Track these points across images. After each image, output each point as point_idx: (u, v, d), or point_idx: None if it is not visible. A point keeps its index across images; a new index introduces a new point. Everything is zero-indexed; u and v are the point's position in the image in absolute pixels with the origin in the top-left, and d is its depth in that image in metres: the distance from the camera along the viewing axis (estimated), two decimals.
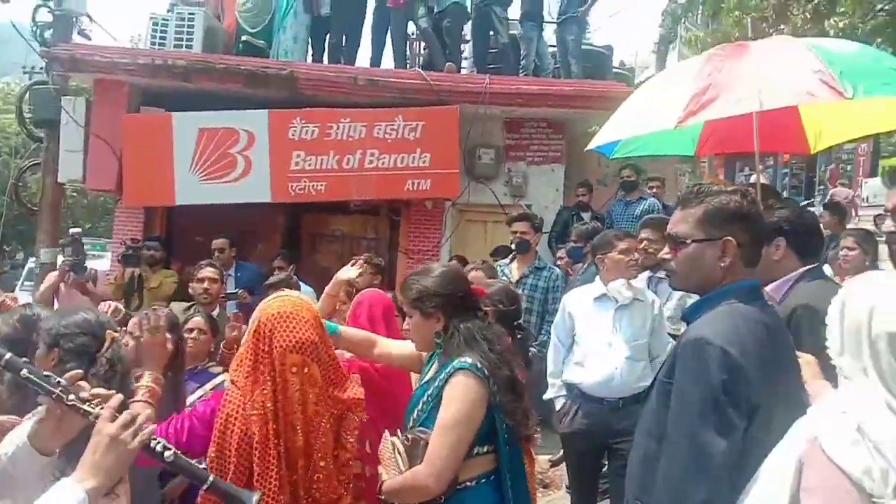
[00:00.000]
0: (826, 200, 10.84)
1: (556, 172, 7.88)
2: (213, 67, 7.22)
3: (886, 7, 6.05)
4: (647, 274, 4.19)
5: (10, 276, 15.39)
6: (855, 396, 1.42)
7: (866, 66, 2.88)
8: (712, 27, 7.45)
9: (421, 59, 9.11)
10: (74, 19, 8.12)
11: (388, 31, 8.24)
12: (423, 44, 8.97)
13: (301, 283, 5.56)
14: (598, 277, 3.84)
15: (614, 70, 9.34)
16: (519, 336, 3.13)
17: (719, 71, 2.93)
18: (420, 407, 2.18)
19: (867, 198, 13.40)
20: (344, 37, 8.21)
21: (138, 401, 2.07)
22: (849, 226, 7.06)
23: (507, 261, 5.35)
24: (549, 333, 4.78)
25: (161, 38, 7.73)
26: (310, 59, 8.23)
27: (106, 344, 1.98)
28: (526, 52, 8.04)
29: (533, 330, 4.77)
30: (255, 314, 2.13)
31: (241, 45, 8.06)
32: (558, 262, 6.03)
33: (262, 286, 5.24)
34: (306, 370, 2.00)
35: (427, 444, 2.05)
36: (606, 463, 3.75)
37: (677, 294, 3.90)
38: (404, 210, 8.02)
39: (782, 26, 6.60)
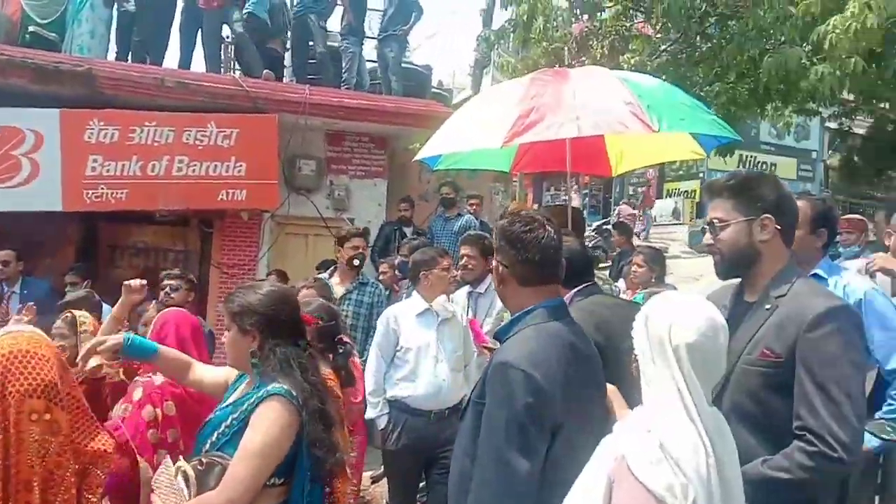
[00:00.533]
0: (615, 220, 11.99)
1: (379, 187, 7.92)
2: None
3: (668, 48, 6.78)
4: (467, 289, 4.31)
5: None
6: (657, 411, 1.53)
7: (665, 101, 3.17)
8: (522, 54, 7.91)
9: (234, 63, 8.74)
10: None
11: (200, 33, 7.82)
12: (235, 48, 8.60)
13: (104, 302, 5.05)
14: (415, 293, 3.90)
15: (433, 89, 9.62)
16: (340, 351, 3.08)
17: (542, 95, 3.09)
18: (221, 430, 2.04)
19: (656, 217, 15.03)
20: (150, 35, 7.66)
21: None
22: (637, 242, 7.84)
23: (326, 275, 5.26)
24: None
25: None
26: (112, 56, 7.56)
27: None
28: (348, 65, 8.01)
29: (358, 346, 4.71)
30: None
31: (27, 35, 7.21)
32: (381, 277, 6.03)
33: (54, 305, 4.69)
34: (48, 416, 1.77)
35: (224, 469, 1.93)
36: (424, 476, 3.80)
37: (496, 309, 4.05)
38: (217, 221, 7.61)
39: (583, 58, 7.15)
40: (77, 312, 3.35)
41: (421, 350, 3.71)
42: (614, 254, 8.23)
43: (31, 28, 7.22)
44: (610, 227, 10.28)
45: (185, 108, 6.89)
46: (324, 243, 7.35)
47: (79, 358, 2.29)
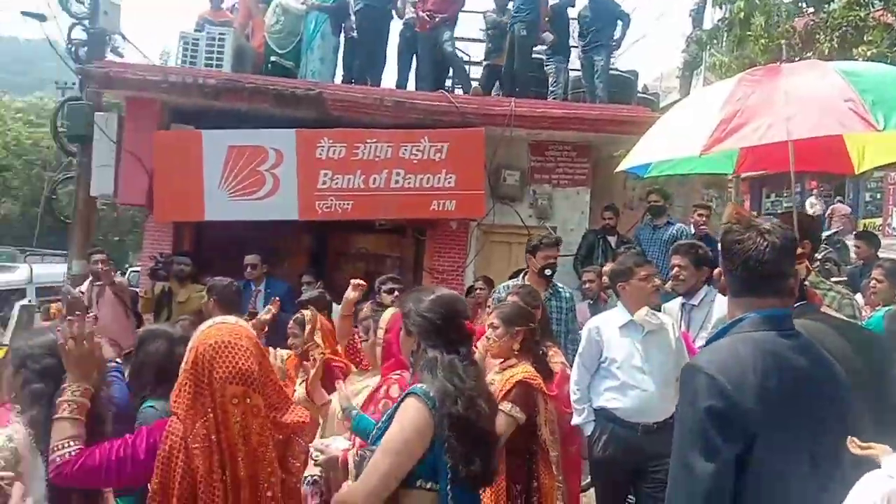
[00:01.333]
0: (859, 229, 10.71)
1: (582, 195, 7.89)
2: (242, 87, 7.34)
3: None
4: (679, 300, 4.16)
5: None
6: None
7: None
8: (737, 52, 7.43)
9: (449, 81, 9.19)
10: (108, 37, 8.33)
11: (415, 55, 8.34)
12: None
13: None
14: (620, 304, 3.84)
15: (639, 95, 9.36)
16: (541, 352, 3.23)
17: (748, 96, 2.88)
18: (379, 424, 2.17)
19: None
20: (370, 59, 8.32)
21: (65, 419, 1.98)
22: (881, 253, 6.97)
23: (512, 282, 5.33)
24: (573, 352, 4.79)
25: (192, 56, 7.88)
26: (339, 79, 8.33)
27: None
28: (555, 81, 8.08)
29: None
30: (191, 343, 2.06)
31: (269, 65, 8.19)
32: (586, 286, 6.01)
33: (292, 302, 5.30)
34: (248, 400, 1.96)
35: (369, 461, 2.02)
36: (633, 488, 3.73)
37: (711, 323, 3.86)
38: (429, 230, 8.05)
39: (808, 53, 6.56)
40: (305, 312, 3.79)
41: (626, 362, 3.64)
42: (854, 267, 7.36)
43: (272, 58, 8.18)
44: (847, 237, 9.21)
45: (401, 125, 7.40)
46: None
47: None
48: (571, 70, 8.65)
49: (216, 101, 7.35)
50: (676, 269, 4.02)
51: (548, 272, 5.06)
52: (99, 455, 1.96)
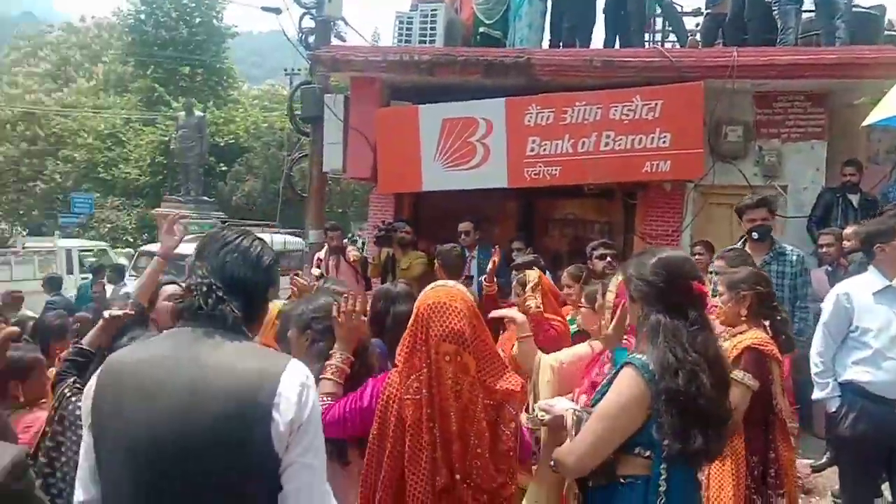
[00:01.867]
0: None
1: (817, 150, 7.13)
2: (454, 60, 7.57)
3: None
4: None
5: None
6: None
7: None
8: None
9: (659, 35, 8.75)
10: (332, 24, 9.01)
11: (623, 11, 8.02)
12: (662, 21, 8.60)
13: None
14: (872, 268, 3.46)
15: (886, 33, 8.20)
16: (778, 319, 2.99)
17: None
18: (600, 388, 2.18)
19: None
20: (579, 20, 8.16)
21: (328, 378, 2.26)
22: None
23: (738, 245, 4.99)
24: (802, 321, 4.43)
25: (406, 34, 8.27)
26: (546, 44, 8.29)
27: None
28: (783, 25, 7.33)
29: None
30: (416, 303, 2.22)
31: (478, 36, 8.36)
32: (823, 250, 5.49)
33: (505, 268, 5.47)
34: (459, 359, 2.05)
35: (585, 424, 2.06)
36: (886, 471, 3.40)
37: None
38: (640, 193, 7.80)
39: None
40: (528, 273, 3.91)
41: (882, 332, 3.30)
42: None
43: (481, 29, 8.35)
44: None
45: (612, 85, 7.19)
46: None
47: None
48: (804, 11, 7.79)
49: (431, 76, 7.68)
50: None
51: (755, 235, 4.71)
52: (338, 408, 2.22)
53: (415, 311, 2.17)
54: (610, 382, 2.08)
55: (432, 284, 2.29)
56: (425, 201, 8.29)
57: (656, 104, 7.00)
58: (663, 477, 1.95)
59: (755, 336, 2.98)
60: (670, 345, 1.93)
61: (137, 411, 1.46)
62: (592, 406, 2.12)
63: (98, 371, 1.57)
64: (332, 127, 8.28)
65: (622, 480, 2.00)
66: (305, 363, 2.19)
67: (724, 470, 2.80)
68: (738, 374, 2.85)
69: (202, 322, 1.55)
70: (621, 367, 2.05)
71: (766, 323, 3.09)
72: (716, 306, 3.19)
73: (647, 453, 1.98)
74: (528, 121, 7.37)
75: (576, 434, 2.06)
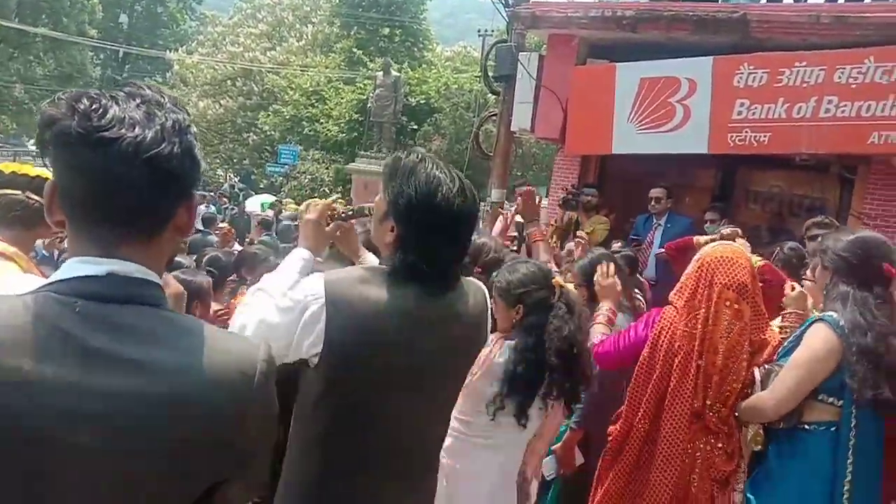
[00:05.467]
0: None
1: None
2: (660, 15, 7.17)
3: None
4: None
5: None
6: None
7: None
8: None
9: None
10: None
11: None
12: None
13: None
14: None
15: None
16: None
17: None
18: (785, 344, 2.43)
19: None
20: None
21: (599, 323, 2.70)
22: None
23: None
24: None
25: None
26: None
27: (556, 293, 2.24)
28: None
29: None
30: (699, 254, 2.54)
31: None
32: None
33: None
34: (737, 306, 2.36)
35: (777, 375, 2.30)
36: None
37: None
38: (862, 168, 6.97)
39: None
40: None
41: None
42: None
43: None
44: None
45: (839, 45, 6.43)
46: None
47: None
48: None
49: (634, 32, 7.34)
50: None
51: None
52: (610, 342, 2.61)
53: (699, 261, 2.49)
54: (797, 338, 2.35)
55: (717, 242, 2.68)
56: (612, 165, 8.01)
57: (894, 67, 6.15)
58: (854, 423, 2.21)
59: None
60: (860, 309, 2.23)
61: None
62: (779, 359, 2.38)
63: None
64: (524, 86, 8.23)
65: (806, 427, 2.28)
66: (514, 335, 2.28)
67: None
68: None
69: None
70: (812, 322, 2.33)
71: None
72: None
73: (832, 400, 2.26)
74: (738, 82, 6.81)
75: (761, 385, 2.33)
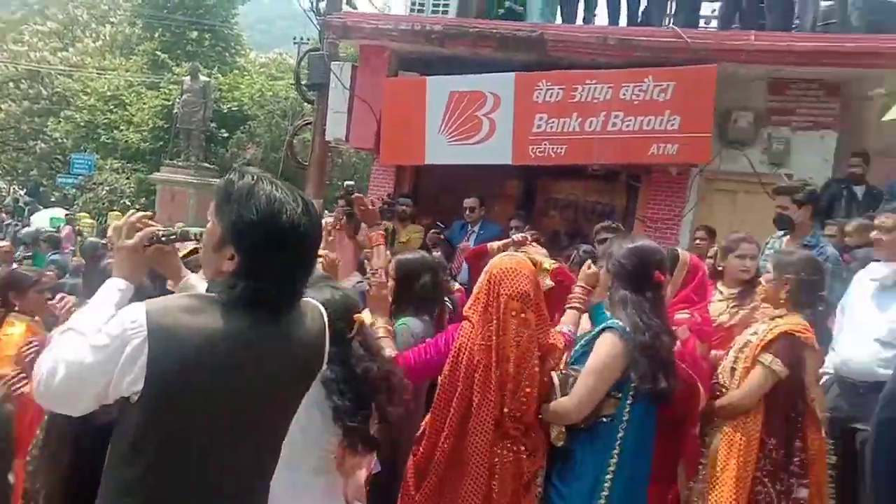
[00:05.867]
0: None
1: (826, 140, 7.04)
2: (466, 31, 7.46)
3: None
4: None
5: None
6: None
7: None
8: None
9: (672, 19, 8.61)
10: None
11: None
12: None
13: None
14: None
15: None
16: (820, 308, 2.99)
17: None
18: (576, 348, 2.63)
19: None
20: None
21: (383, 337, 2.63)
22: None
23: (780, 234, 4.93)
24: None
25: (420, 4, 8.16)
26: (559, 19, 8.18)
27: (355, 329, 2.12)
28: (801, 11, 7.21)
29: None
30: (488, 266, 2.61)
31: (500, 10, 8.23)
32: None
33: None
34: (523, 315, 2.45)
35: (575, 380, 2.50)
36: None
37: None
38: (644, 176, 7.74)
39: None
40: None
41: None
42: None
43: (506, 3, 8.23)
44: None
45: (626, 64, 7.09)
46: (755, 201, 6.87)
47: None
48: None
49: (442, 47, 7.58)
50: None
51: (774, 222, 4.67)
52: (413, 354, 2.60)
53: (488, 273, 2.56)
54: (588, 343, 2.57)
55: (503, 254, 2.79)
56: (426, 175, 8.21)
57: (668, 86, 6.90)
58: (626, 410, 2.47)
59: (793, 322, 2.95)
60: (637, 312, 2.48)
61: None
62: (572, 363, 2.60)
63: None
64: (337, 95, 8.19)
65: (603, 420, 2.50)
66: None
67: (733, 446, 2.86)
68: (766, 357, 2.88)
69: None
70: (601, 330, 2.53)
71: (808, 311, 3.05)
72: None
73: (616, 394, 2.49)
74: (537, 97, 7.28)
75: (560, 390, 2.52)
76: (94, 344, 1.42)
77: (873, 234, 3.63)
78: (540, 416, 2.55)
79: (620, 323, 2.50)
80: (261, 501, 1.68)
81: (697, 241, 6.30)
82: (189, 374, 1.43)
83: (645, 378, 2.44)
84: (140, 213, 1.81)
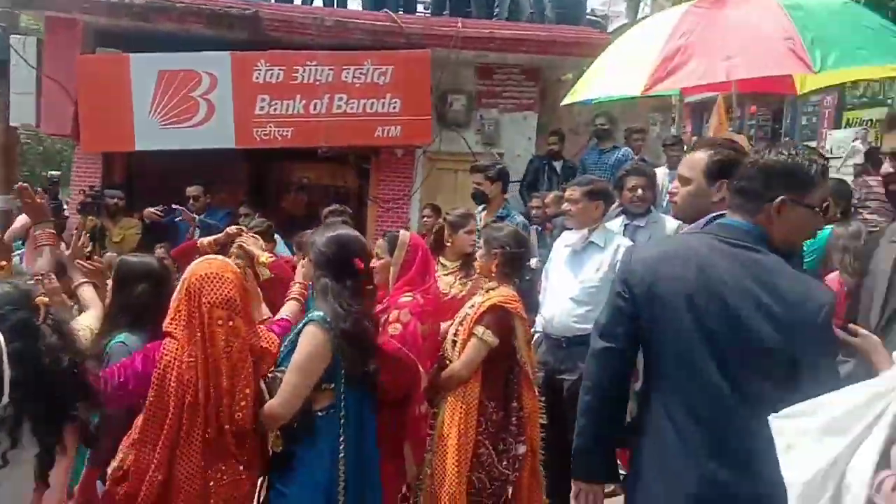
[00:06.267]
0: None
1: (529, 120, 7.78)
2: (172, 7, 6.86)
3: None
4: (621, 220, 4.20)
5: None
6: None
7: (840, 30, 2.84)
8: None
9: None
10: None
11: None
12: None
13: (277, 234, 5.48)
14: None
15: (587, 17, 9.19)
16: (527, 278, 3.19)
17: (692, 31, 2.92)
18: (283, 347, 2.53)
19: (831, 149, 13.61)
20: None
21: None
22: None
23: (480, 209, 5.29)
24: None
25: None
26: None
27: (41, 313, 1.89)
28: (499, 0, 7.81)
29: None
30: (185, 274, 2.40)
31: None
32: (533, 212, 5.99)
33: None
34: (231, 323, 2.31)
35: (281, 381, 2.40)
36: None
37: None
38: (374, 158, 7.87)
39: None
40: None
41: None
42: None
43: None
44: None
45: (343, 46, 7.08)
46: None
47: None
48: None
49: (146, 22, 6.88)
50: (640, 190, 4.07)
51: (472, 197, 5.04)
52: (103, 377, 2.23)
53: (186, 282, 2.36)
54: (292, 341, 2.48)
55: (200, 259, 2.53)
56: (141, 162, 7.46)
57: (387, 69, 7.05)
58: (343, 398, 2.44)
59: (502, 293, 3.10)
60: (338, 300, 2.44)
61: None
62: (279, 365, 2.48)
63: None
64: (21, 74, 7.06)
65: (319, 413, 2.43)
66: None
67: (455, 413, 2.97)
68: (479, 329, 3.01)
69: None
70: (304, 325, 2.45)
71: (516, 281, 3.23)
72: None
73: (330, 385, 2.43)
74: (257, 77, 6.99)
75: (268, 393, 2.40)
76: None
77: (564, 205, 4.01)
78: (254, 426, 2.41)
79: (321, 313, 2.44)
80: None
81: (425, 219, 6.58)
82: None
83: (354, 364, 2.43)
84: None
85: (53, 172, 5.53)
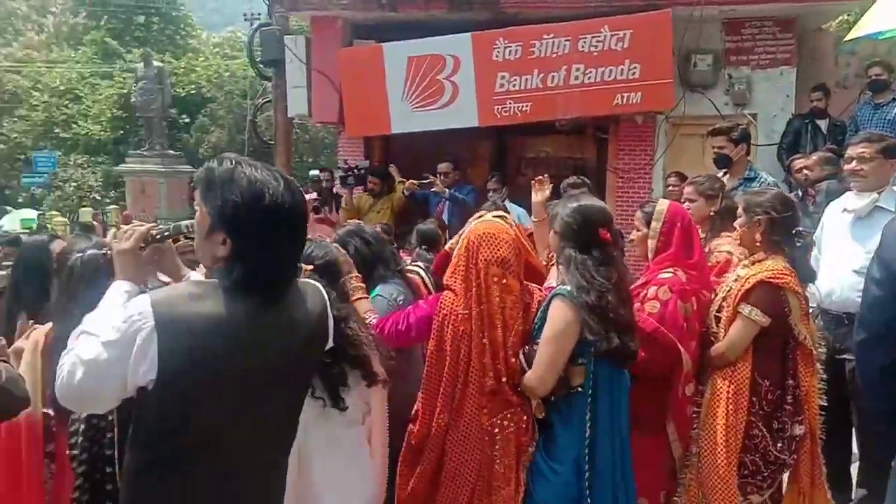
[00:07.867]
0: None
1: (786, 76, 7.08)
2: None
3: None
4: None
5: None
6: None
7: None
8: None
9: None
10: None
11: None
12: None
13: (514, 205, 5.67)
14: None
15: None
16: (799, 244, 2.89)
17: None
18: (535, 321, 2.51)
19: None
20: None
21: (362, 298, 2.65)
22: None
23: (721, 173, 4.96)
24: None
25: None
26: None
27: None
28: None
29: None
30: (465, 233, 2.55)
31: None
32: (796, 175, 5.49)
33: (478, 207, 5.40)
34: (504, 281, 2.42)
35: (534, 353, 2.42)
36: None
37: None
38: (612, 127, 7.73)
39: None
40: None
41: None
42: None
43: None
44: None
45: (580, 16, 7.02)
46: None
47: None
48: None
49: (395, 11, 7.44)
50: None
51: (716, 163, 4.74)
52: (394, 320, 2.57)
53: (465, 240, 2.51)
54: (544, 312, 2.47)
55: (482, 217, 2.62)
56: (396, 143, 8.13)
57: (625, 34, 6.85)
58: (592, 375, 2.41)
59: (769, 267, 2.83)
60: (581, 271, 2.40)
61: None
62: (534, 335, 2.49)
63: None
64: (294, 70, 8.03)
65: (578, 389, 2.43)
66: None
67: (721, 395, 2.80)
68: (745, 308, 2.79)
69: None
70: (551, 298, 2.45)
71: (786, 249, 2.90)
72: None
73: (581, 360, 2.41)
74: (497, 56, 7.20)
75: (526, 363, 2.44)
76: (106, 340, 1.48)
77: (852, 164, 3.51)
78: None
79: (567, 288, 2.41)
80: (278, 475, 1.75)
81: (671, 187, 6.33)
82: (198, 358, 1.48)
83: (599, 336, 2.34)
84: (146, 227, 1.85)
85: (313, 172, 6.32)
